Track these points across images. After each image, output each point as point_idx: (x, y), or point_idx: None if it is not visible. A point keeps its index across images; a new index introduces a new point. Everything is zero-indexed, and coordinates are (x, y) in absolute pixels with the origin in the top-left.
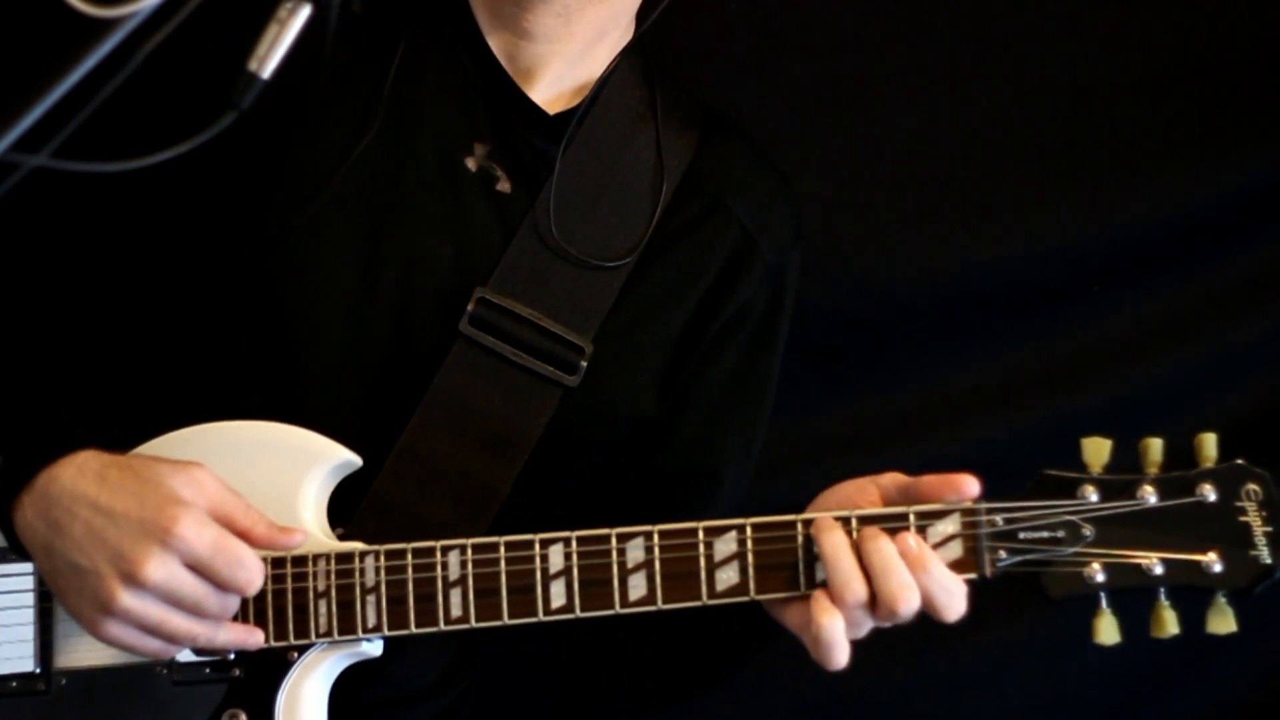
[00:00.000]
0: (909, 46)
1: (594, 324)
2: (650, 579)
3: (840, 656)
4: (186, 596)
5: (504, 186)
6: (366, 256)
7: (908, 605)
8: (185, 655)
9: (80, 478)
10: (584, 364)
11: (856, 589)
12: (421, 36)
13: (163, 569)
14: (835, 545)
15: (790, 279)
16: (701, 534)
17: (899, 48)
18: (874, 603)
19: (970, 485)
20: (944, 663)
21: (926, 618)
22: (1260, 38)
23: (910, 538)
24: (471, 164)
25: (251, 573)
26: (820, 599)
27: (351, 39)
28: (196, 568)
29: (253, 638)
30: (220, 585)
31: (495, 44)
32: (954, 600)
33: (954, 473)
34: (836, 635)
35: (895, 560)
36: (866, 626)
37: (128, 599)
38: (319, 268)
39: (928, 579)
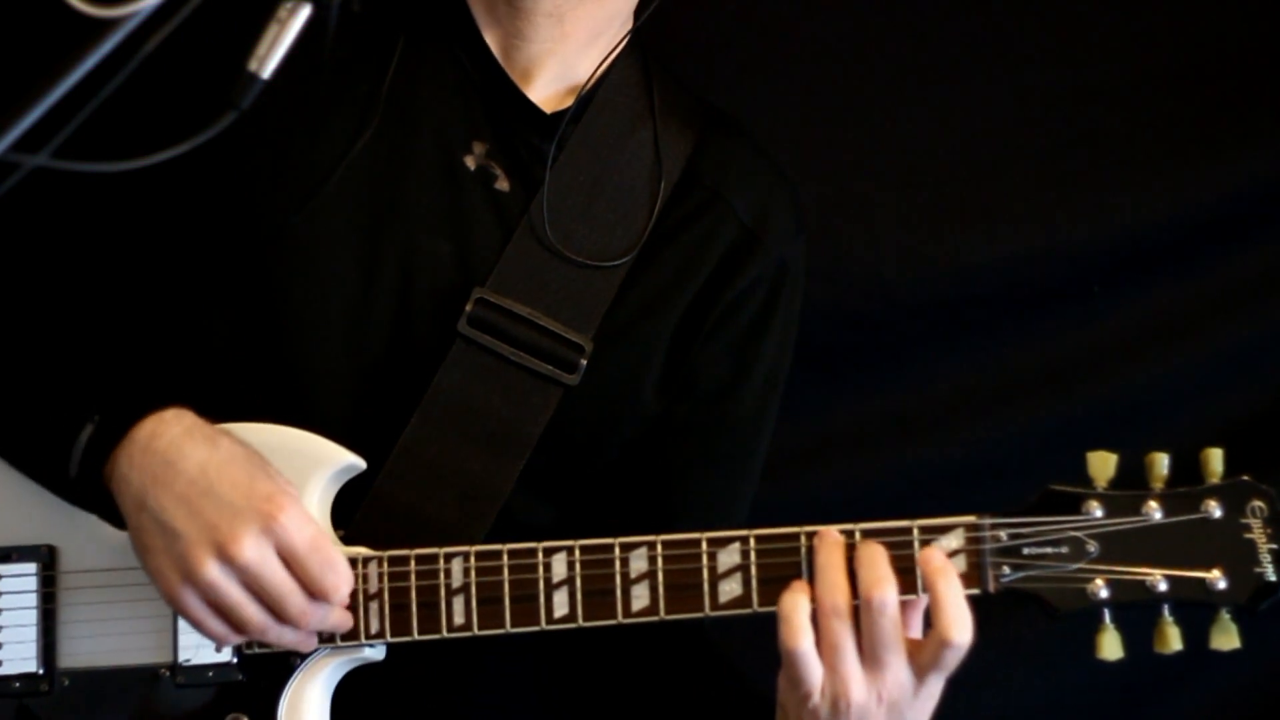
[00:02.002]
0: (909, 47)
1: (593, 322)
2: (653, 589)
3: (799, 638)
4: (272, 587)
5: (502, 185)
6: (365, 255)
7: (881, 594)
8: (189, 658)
9: (189, 438)
10: (584, 362)
11: (836, 596)
12: (420, 35)
13: (256, 551)
14: (829, 557)
15: (794, 272)
16: (705, 545)
17: (899, 48)
18: (855, 624)
19: None
20: None
21: None
22: (1260, 38)
23: (937, 552)
24: (470, 162)
25: (340, 579)
26: (794, 584)
27: (350, 37)
28: (289, 561)
29: (311, 643)
30: (307, 584)
31: (492, 42)
32: (961, 618)
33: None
34: (794, 611)
35: (881, 559)
36: (849, 657)
37: (213, 571)
38: (318, 267)
39: (945, 587)
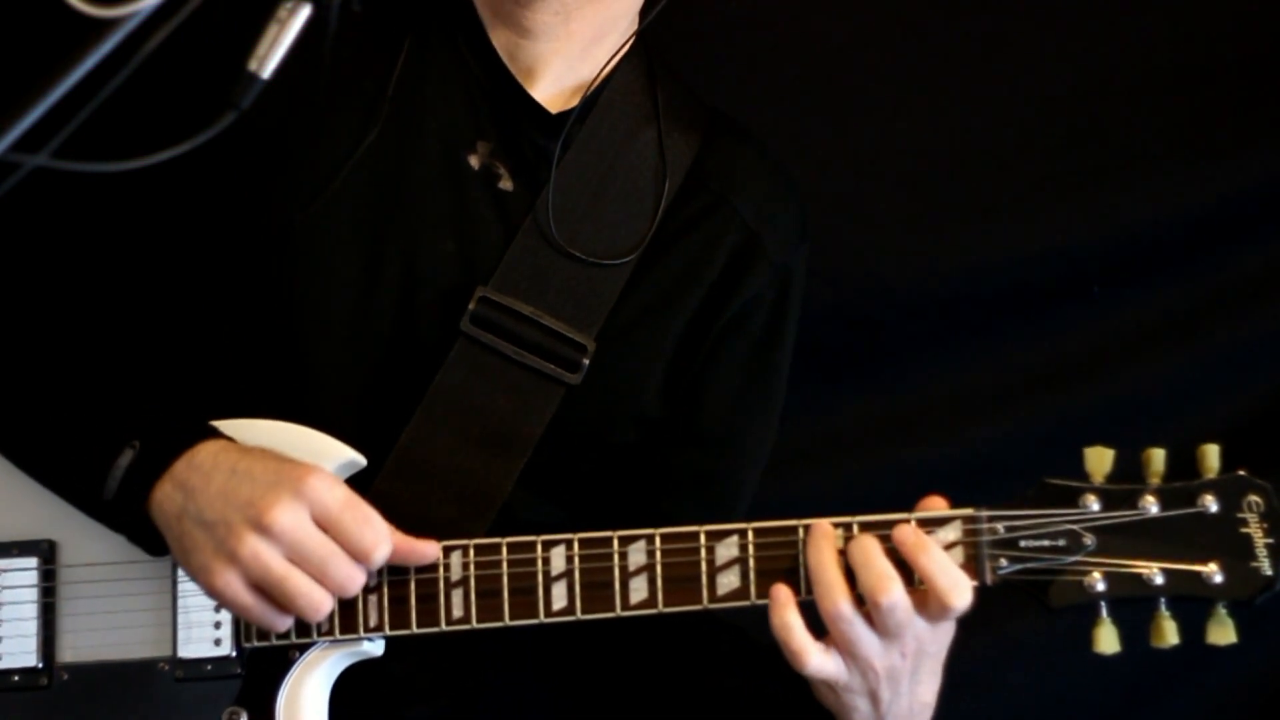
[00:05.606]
0: (910, 47)
1: (597, 322)
2: (651, 582)
3: (805, 660)
4: (312, 552)
5: (506, 184)
6: (370, 253)
7: (888, 596)
8: (188, 652)
9: (223, 451)
10: (586, 362)
11: (836, 598)
12: (426, 34)
13: (291, 516)
14: (818, 555)
15: (796, 278)
16: (703, 538)
17: (900, 48)
18: (869, 618)
19: None
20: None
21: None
22: (1260, 38)
23: (909, 527)
24: (474, 161)
25: (378, 534)
26: (775, 594)
27: (357, 36)
28: (325, 524)
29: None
30: (347, 546)
31: (498, 42)
32: (957, 584)
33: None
34: (788, 633)
35: (876, 554)
36: (866, 644)
37: (253, 543)
38: (323, 265)
39: (928, 561)
